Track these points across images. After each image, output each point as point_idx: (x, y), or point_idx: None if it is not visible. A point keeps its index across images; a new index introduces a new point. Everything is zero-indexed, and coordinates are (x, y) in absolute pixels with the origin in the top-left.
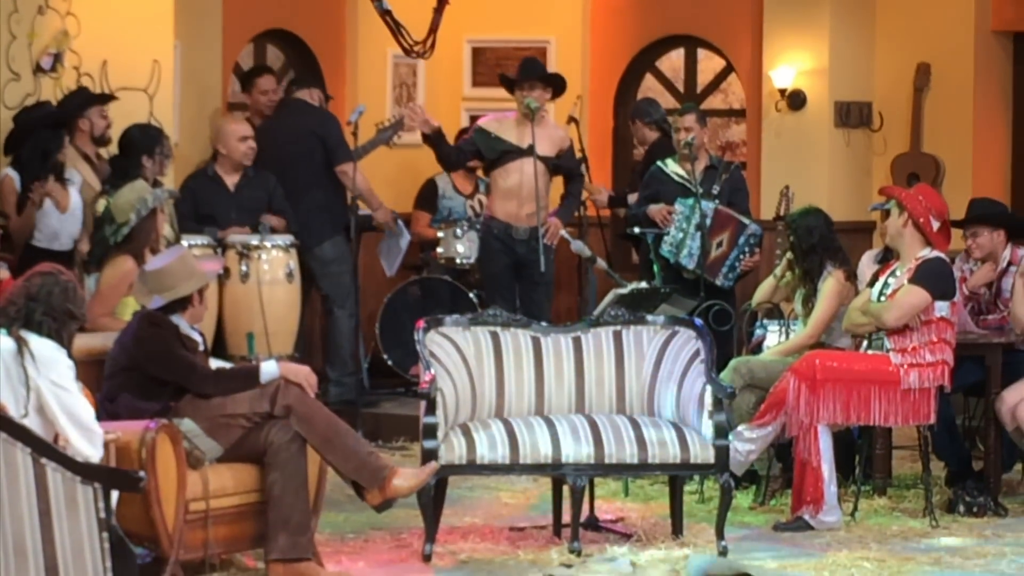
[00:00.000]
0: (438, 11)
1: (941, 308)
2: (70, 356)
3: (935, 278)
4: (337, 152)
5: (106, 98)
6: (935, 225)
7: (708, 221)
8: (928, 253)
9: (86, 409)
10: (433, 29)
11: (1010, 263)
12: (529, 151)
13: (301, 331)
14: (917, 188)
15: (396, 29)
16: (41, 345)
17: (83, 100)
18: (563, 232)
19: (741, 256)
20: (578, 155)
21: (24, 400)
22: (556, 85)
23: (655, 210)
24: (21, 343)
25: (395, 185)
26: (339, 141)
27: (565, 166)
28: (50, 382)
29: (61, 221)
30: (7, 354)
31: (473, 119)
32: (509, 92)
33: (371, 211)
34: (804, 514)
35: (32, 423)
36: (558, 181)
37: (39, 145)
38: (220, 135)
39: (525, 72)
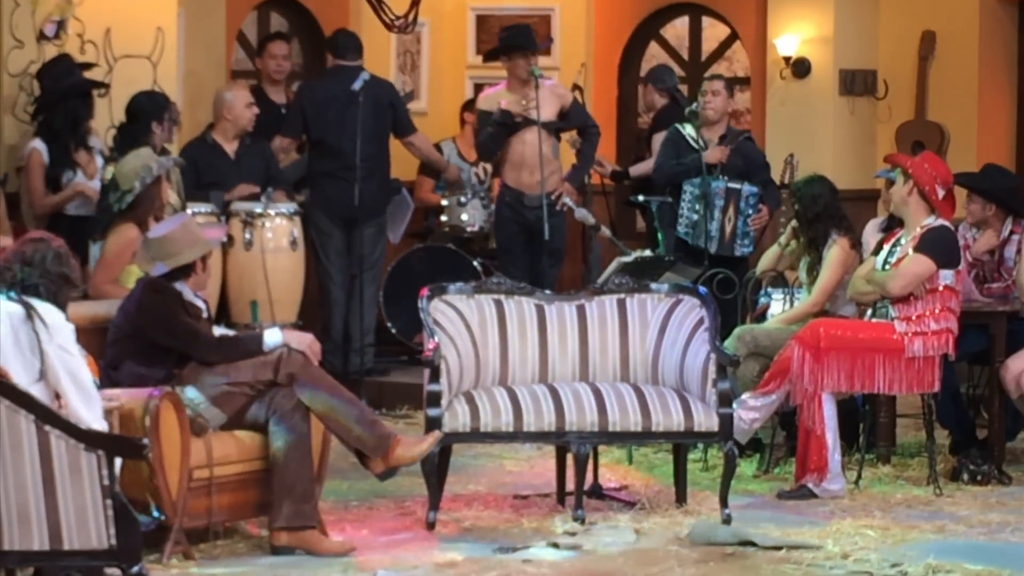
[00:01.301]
0: None
1: (946, 276)
2: (66, 315)
3: (940, 246)
4: (408, 123)
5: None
6: (940, 193)
7: (721, 201)
8: (933, 221)
9: (88, 375)
10: (415, 2)
11: (1012, 232)
12: (530, 121)
13: (305, 299)
14: (923, 156)
15: (378, 5)
16: (46, 310)
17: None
18: (567, 199)
19: (747, 220)
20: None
21: (37, 366)
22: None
23: (716, 151)
24: (30, 308)
25: (398, 150)
26: (407, 112)
27: (573, 123)
28: (58, 346)
29: (92, 189)
30: (16, 319)
31: (478, 87)
32: (495, 59)
33: (442, 170)
34: (808, 482)
35: (41, 388)
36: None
37: (69, 113)
38: (225, 102)
39: (527, 40)
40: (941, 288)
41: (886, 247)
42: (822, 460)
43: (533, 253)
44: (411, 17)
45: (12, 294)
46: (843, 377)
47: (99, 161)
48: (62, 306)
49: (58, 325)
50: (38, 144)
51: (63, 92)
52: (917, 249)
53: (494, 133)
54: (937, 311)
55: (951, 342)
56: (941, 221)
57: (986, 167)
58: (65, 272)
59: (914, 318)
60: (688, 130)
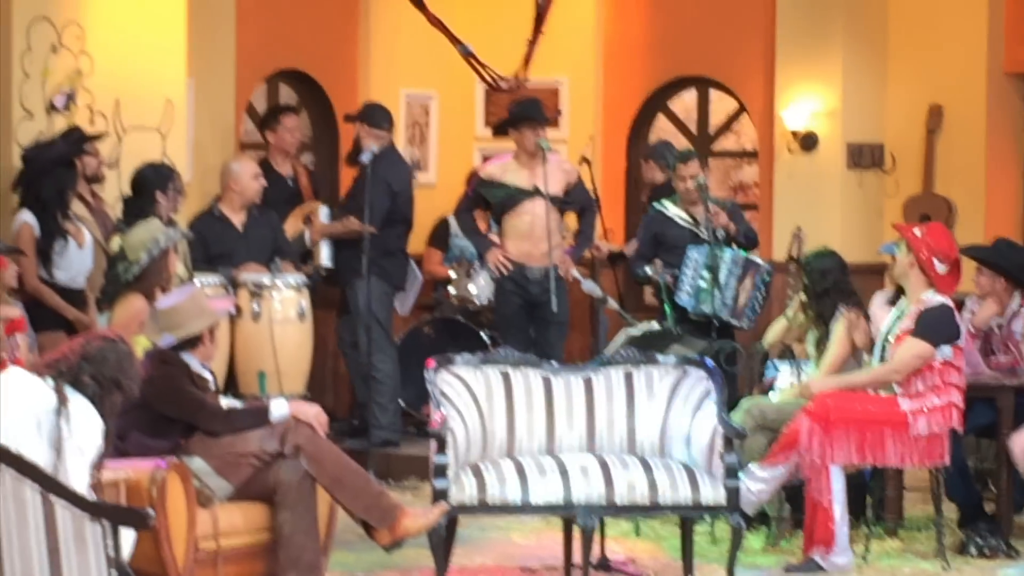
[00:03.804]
0: (532, 42)
1: (944, 352)
2: (106, 423)
3: (935, 328)
4: None
5: (97, 137)
6: (940, 268)
7: (738, 270)
8: (931, 297)
9: (79, 480)
10: (527, 60)
11: (1021, 305)
12: (537, 192)
13: (313, 370)
14: (928, 228)
15: (481, 68)
16: (80, 408)
17: (79, 138)
18: (575, 272)
19: (758, 295)
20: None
21: (51, 460)
22: None
23: (720, 217)
24: (63, 401)
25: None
26: None
27: (575, 200)
28: (76, 447)
29: (81, 258)
30: (45, 408)
31: (486, 159)
32: (504, 133)
33: None
34: (815, 555)
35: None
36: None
37: (56, 184)
38: (232, 174)
39: (536, 112)
40: (939, 364)
41: (891, 314)
42: (829, 533)
43: (535, 325)
44: (526, 73)
45: (53, 382)
46: (853, 450)
47: (85, 231)
48: (104, 411)
49: (83, 427)
50: (28, 217)
51: (48, 163)
52: (915, 333)
53: (472, 214)
54: (938, 387)
55: (956, 416)
56: (939, 298)
57: (997, 241)
58: (119, 378)
59: (915, 395)
60: (672, 209)
